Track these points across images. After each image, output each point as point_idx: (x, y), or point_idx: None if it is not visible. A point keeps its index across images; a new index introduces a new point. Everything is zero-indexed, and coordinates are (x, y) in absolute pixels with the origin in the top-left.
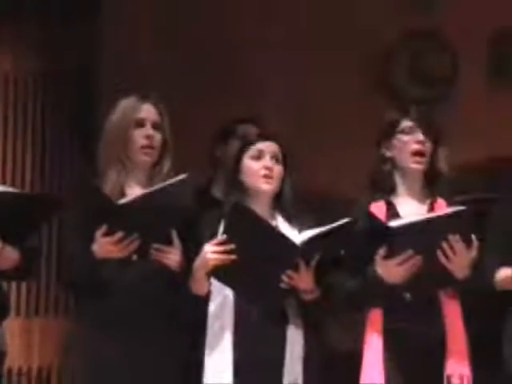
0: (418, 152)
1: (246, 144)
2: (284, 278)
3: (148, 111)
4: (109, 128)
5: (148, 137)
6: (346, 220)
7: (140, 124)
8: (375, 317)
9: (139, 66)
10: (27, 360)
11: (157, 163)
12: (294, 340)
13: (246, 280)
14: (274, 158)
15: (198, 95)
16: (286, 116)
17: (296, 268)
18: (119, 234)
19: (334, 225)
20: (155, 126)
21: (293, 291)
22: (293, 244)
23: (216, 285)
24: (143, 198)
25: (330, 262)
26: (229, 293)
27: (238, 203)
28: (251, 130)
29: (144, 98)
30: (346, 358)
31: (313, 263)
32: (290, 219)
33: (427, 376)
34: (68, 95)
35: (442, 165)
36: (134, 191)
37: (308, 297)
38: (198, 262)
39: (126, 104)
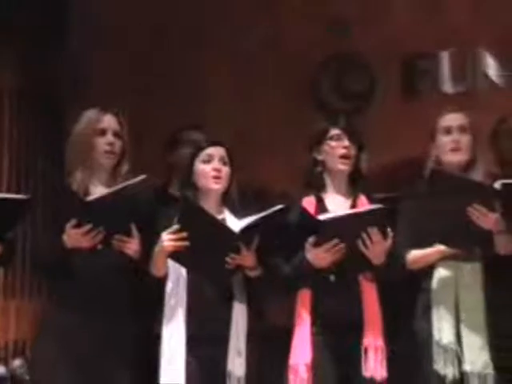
0: (344, 156)
1: (198, 150)
2: (227, 259)
3: (109, 121)
4: (75, 135)
5: (110, 144)
6: (279, 207)
7: (102, 132)
8: (305, 296)
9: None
10: (4, 336)
11: (117, 165)
12: (239, 315)
13: (198, 261)
14: (222, 160)
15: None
16: (229, 124)
17: (238, 251)
18: (87, 227)
19: (269, 211)
20: (115, 134)
21: (238, 270)
22: (232, 231)
23: (173, 266)
24: (108, 195)
25: (270, 243)
26: (183, 273)
27: (188, 200)
28: (197, 136)
29: (105, 109)
30: (282, 333)
31: (253, 245)
32: (235, 213)
33: (347, 347)
34: (39, 107)
35: (363, 167)
36: (98, 190)
37: (252, 273)
38: (156, 249)
39: (89, 114)
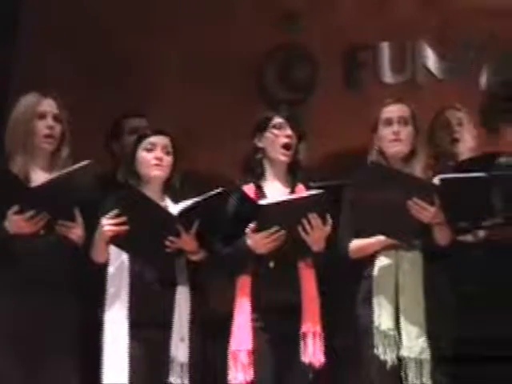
0: (286, 145)
1: (140, 138)
2: (167, 243)
3: (49, 105)
4: (14, 119)
5: (49, 127)
6: (217, 190)
7: (42, 116)
8: (244, 282)
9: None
10: None
11: (57, 150)
12: (182, 300)
13: (138, 246)
14: (165, 149)
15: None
16: (173, 113)
17: (178, 234)
18: (29, 213)
19: (207, 195)
20: (55, 118)
21: (180, 254)
22: (171, 215)
23: (114, 252)
24: (51, 181)
25: (211, 228)
26: (125, 258)
27: (128, 185)
28: (140, 123)
29: (45, 93)
30: (226, 318)
31: (193, 229)
32: (177, 200)
33: (286, 334)
34: None
35: (303, 156)
36: (38, 175)
37: (193, 257)
38: (97, 234)
39: (29, 98)
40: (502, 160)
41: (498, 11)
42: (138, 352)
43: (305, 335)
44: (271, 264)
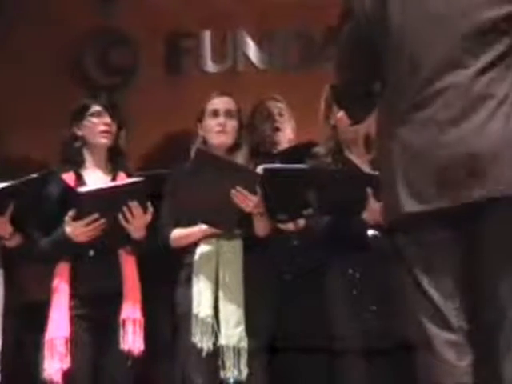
0: (105, 132)
1: None
2: None
3: None
4: None
5: None
6: (34, 175)
7: None
8: (63, 270)
9: None
10: None
11: None
12: None
13: None
14: None
15: None
16: None
17: None
18: None
19: (22, 179)
20: None
21: None
22: None
23: None
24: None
25: (29, 214)
26: None
27: None
28: None
29: None
30: (42, 307)
31: (7, 213)
32: None
33: (106, 321)
34: None
35: (123, 143)
36: None
37: (7, 243)
38: None
39: None
40: (318, 150)
41: (313, 4)
42: None
43: (124, 322)
44: (91, 252)
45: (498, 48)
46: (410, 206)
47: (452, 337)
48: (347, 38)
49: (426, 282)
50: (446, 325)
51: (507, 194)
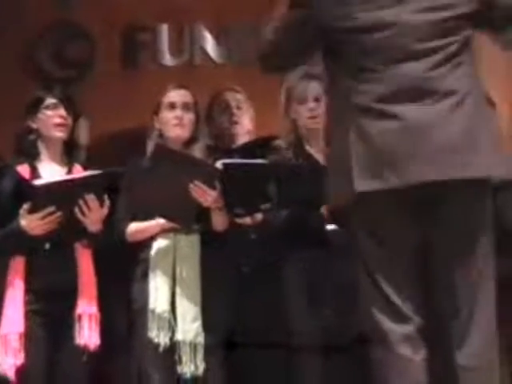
0: (60, 125)
1: None
2: None
3: None
4: None
5: None
6: None
7: None
8: (18, 264)
9: None
10: None
11: None
12: None
13: None
14: None
15: None
16: None
17: None
18: None
19: None
20: None
21: None
22: None
23: None
24: None
25: None
26: None
27: None
28: None
29: None
30: None
31: None
32: None
33: (61, 316)
34: None
35: (80, 136)
36: None
37: None
38: None
39: None
40: (278, 144)
41: None
42: None
43: (80, 317)
44: (47, 245)
45: (452, 44)
46: (362, 185)
47: (406, 330)
48: (293, 24)
49: (379, 275)
50: (400, 318)
51: (456, 177)
